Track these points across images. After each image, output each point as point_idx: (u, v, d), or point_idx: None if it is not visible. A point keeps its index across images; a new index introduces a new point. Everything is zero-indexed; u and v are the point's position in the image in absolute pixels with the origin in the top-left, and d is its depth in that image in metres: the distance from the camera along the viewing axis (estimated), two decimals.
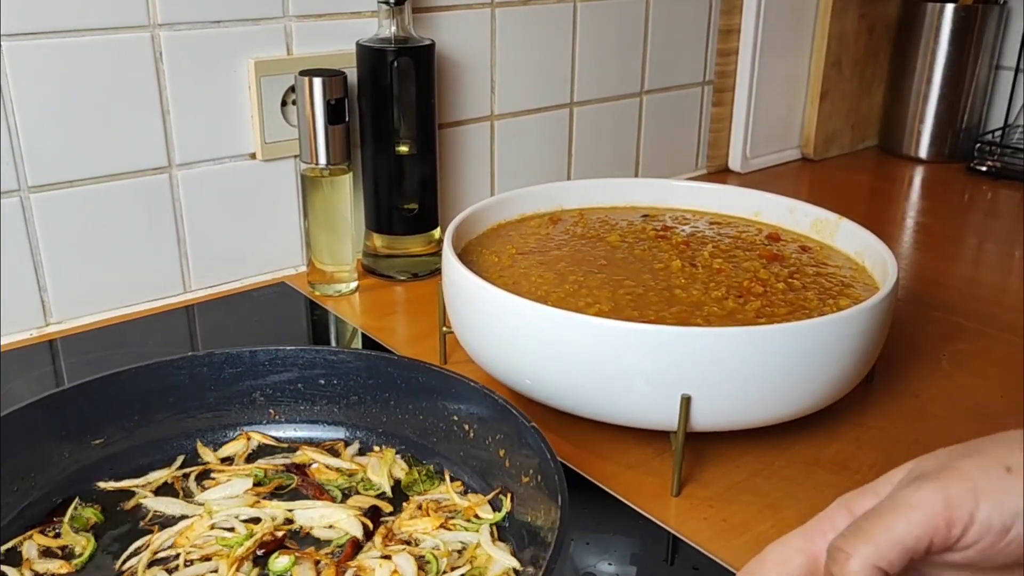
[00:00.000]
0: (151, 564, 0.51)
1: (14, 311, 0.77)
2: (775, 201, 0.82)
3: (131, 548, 0.52)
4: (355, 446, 0.61)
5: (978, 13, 1.28)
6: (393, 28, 0.86)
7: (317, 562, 0.51)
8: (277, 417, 0.63)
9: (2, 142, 0.73)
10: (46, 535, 0.53)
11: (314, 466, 0.59)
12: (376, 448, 0.61)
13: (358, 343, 0.80)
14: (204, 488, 0.57)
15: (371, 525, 0.54)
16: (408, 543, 0.53)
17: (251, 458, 0.60)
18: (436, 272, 0.92)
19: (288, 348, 0.62)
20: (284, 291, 0.88)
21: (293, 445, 0.61)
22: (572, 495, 0.58)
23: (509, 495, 0.54)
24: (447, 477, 0.58)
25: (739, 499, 0.59)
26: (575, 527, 0.55)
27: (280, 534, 0.53)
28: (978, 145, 1.31)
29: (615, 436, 0.65)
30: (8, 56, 0.72)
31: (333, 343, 0.81)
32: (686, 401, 0.57)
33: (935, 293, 0.91)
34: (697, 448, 0.64)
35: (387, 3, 0.84)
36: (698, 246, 0.76)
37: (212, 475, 0.59)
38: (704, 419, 0.58)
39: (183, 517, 0.55)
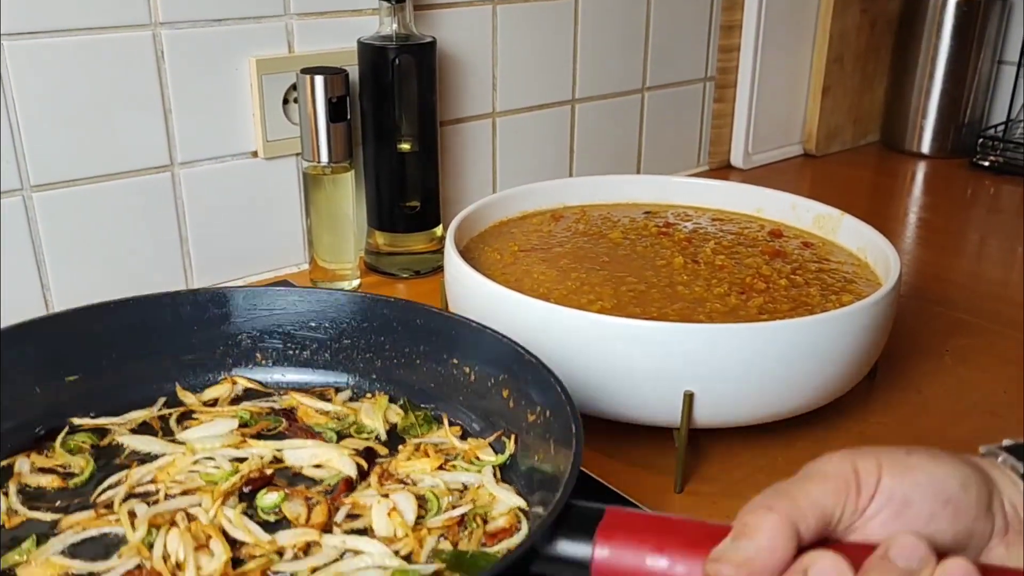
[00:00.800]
0: (128, 497, 0.49)
1: (17, 309, 0.77)
2: (777, 197, 0.82)
3: (107, 483, 0.50)
4: (347, 392, 0.59)
5: (980, 8, 1.28)
6: (394, 26, 0.86)
7: (308, 499, 0.49)
8: (264, 362, 0.60)
9: (4, 141, 0.73)
10: (42, 455, 0.52)
11: (302, 410, 0.57)
12: (368, 395, 0.59)
13: None
14: (185, 428, 0.55)
15: (365, 465, 0.52)
16: (405, 483, 0.51)
17: (236, 402, 0.58)
18: (438, 269, 0.92)
19: (277, 288, 0.60)
20: None
21: (281, 390, 0.59)
22: (575, 492, 0.58)
23: (513, 436, 0.52)
24: (446, 422, 0.56)
25: (742, 495, 0.58)
26: None
27: (269, 472, 0.51)
28: (980, 140, 1.31)
29: (618, 433, 0.65)
30: (10, 55, 0.72)
31: None
32: (689, 397, 0.57)
33: (937, 289, 0.91)
34: (700, 444, 0.64)
35: (388, 1, 0.84)
36: (700, 243, 0.76)
37: (194, 416, 0.56)
38: (707, 415, 0.58)
39: (162, 455, 0.53)
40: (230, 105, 0.84)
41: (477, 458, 0.53)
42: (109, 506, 0.49)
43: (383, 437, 0.55)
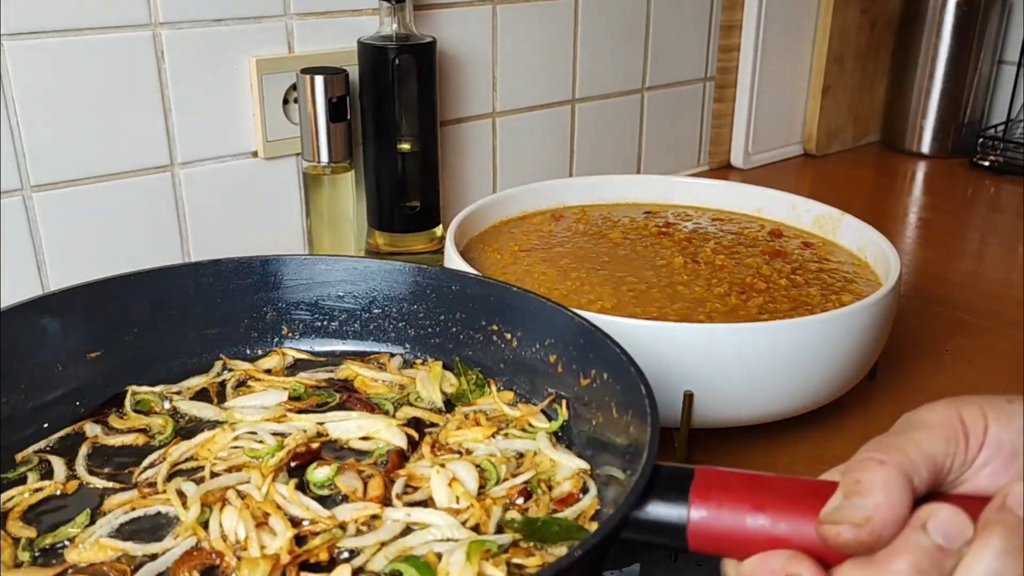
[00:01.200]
0: (171, 476, 0.48)
1: None
2: (777, 197, 0.82)
3: (145, 462, 0.49)
4: (398, 360, 0.57)
5: (980, 8, 1.28)
6: (394, 26, 0.86)
7: (361, 472, 0.47)
8: (291, 335, 0.58)
9: (4, 141, 0.73)
10: (119, 416, 0.52)
11: (359, 380, 0.55)
12: (419, 361, 0.57)
13: None
14: (239, 395, 0.54)
15: (416, 435, 0.50)
16: (459, 453, 0.49)
17: (292, 372, 0.56)
18: None
19: (303, 256, 0.58)
20: None
21: (334, 359, 0.57)
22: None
23: (564, 402, 0.51)
24: (493, 387, 0.54)
25: None
26: None
27: (315, 446, 0.49)
28: (980, 140, 1.31)
29: None
30: (10, 55, 0.72)
31: None
32: (689, 398, 0.57)
33: (938, 288, 0.91)
34: (700, 445, 0.64)
35: (388, 1, 0.84)
36: (700, 242, 0.76)
37: (249, 383, 0.55)
38: (707, 416, 0.58)
39: (196, 422, 0.53)
40: (230, 105, 0.84)
41: (530, 425, 0.51)
42: (151, 485, 0.47)
43: (439, 406, 0.53)
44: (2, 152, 0.74)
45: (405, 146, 0.89)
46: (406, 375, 0.56)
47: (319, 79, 0.80)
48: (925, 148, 1.36)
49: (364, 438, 0.51)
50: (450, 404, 0.55)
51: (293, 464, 0.48)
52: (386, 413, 0.53)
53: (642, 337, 0.56)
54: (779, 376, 0.58)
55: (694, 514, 0.37)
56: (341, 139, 0.83)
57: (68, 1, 0.73)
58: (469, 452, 0.49)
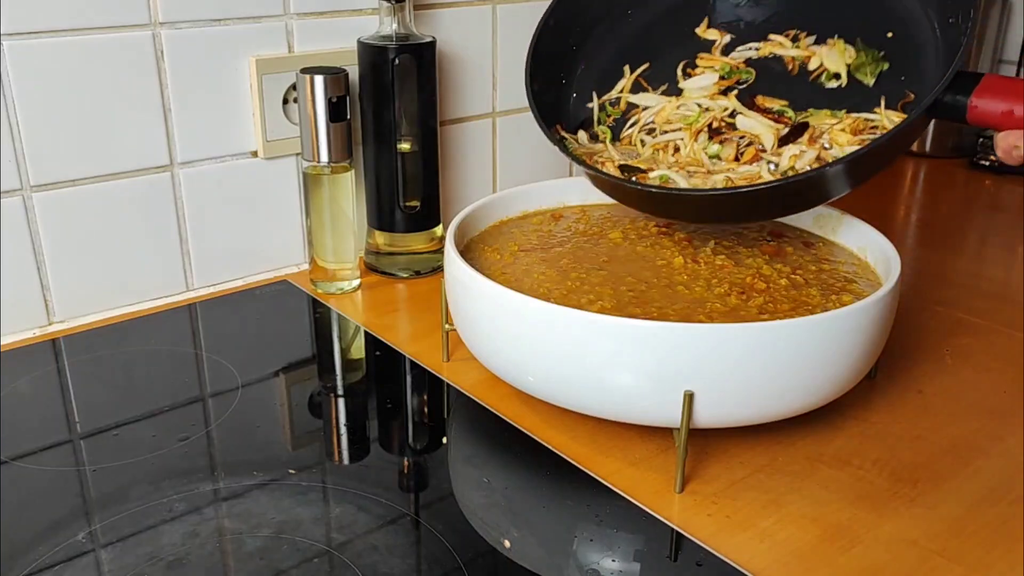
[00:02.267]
0: (642, 131, 0.75)
1: (17, 310, 0.78)
2: None
3: (628, 123, 0.76)
4: (811, 38, 0.73)
5: (979, 7, 1.28)
6: (394, 25, 0.86)
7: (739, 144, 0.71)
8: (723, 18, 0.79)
9: (4, 141, 0.73)
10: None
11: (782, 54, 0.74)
12: (829, 40, 0.73)
13: (360, 341, 0.80)
14: (688, 77, 0.77)
15: (781, 132, 0.70)
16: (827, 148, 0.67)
17: (726, 50, 0.76)
18: (438, 269, 0.92)
19: None
20: (286, 289, 0.89)
21: (756, 39, 0.75)
22: (575, 492, 0.58)
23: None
24: (883, 104, 0.69)
25: (742, 495, 0.59)
26: (578, 524, 0.56)
27: (723, 123, 0.72)
28: (980, 140, 1.31)
29: (618, 433, 0.65)
30: (9, 55, 0.72)
31: (336, 341, 0.81)
32: (689, 398, 0.57)
33: (938, 288, 0.91)
34: (700, 444, 0.64)
35: (388, 0, 0.84)
36: (700, 242, 0.76)
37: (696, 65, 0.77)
38: (707, 415, 0.58)
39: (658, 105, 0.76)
40: (230, 105, 0.84)
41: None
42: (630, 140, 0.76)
43: (844, 80, 0.70)
44: (2, 152, 0.74)
45: (405, 146, 0.89)
46: (812, 50, 0.74)
47: (319, 79, 0.80)
48: (925, 148, 1.36)
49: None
50: (852, 78, 0.72)
51: (711, 127, 0.72)
52: (780, 116, 0.73)
53: (642, 337, 0.56)
54: (779, 376, 0.58)
55: (973, 101, 0.62)
56: (341, 139, 0.83)
57: (68, 1, 0.73)
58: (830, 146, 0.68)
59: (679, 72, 0.78)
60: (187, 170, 0.84)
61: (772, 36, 0.76)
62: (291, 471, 0.60)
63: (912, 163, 1.35)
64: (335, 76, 0.81)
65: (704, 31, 0.78)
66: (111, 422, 0.65)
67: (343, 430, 0.68)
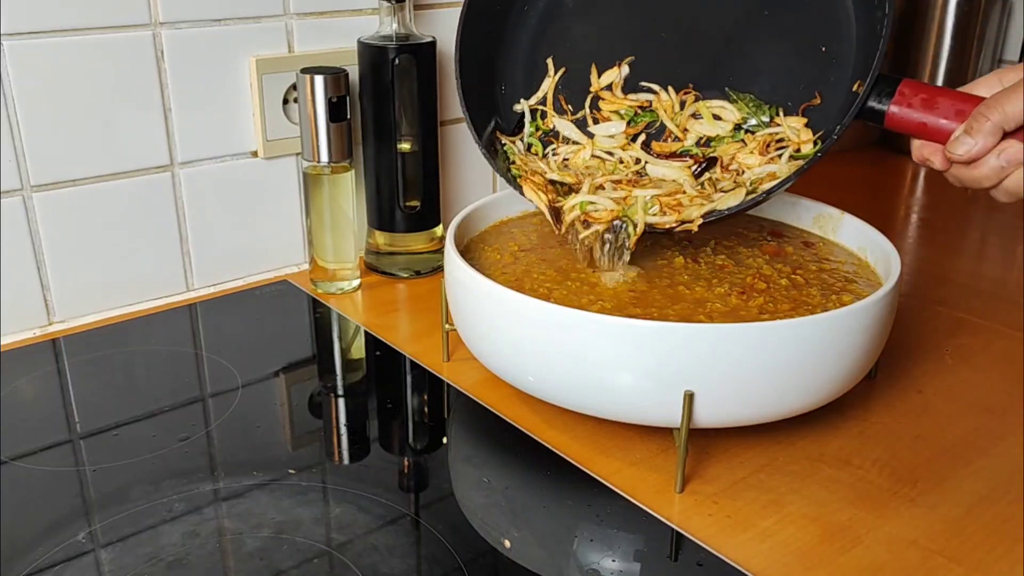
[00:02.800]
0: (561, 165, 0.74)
1: (17, 310, 0.78)
2: (777, 197, 0.82)
3: (548, 149, 0.76)
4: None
5: (980, 8, 1.28)
6: (394, 25, 0.86)
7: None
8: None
9: (4, 141, 0.73)
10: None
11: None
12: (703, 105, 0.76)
13: (361, 341, 0.80)
14: (596, 112, 0.77)
15: (693, 171, 0.71)
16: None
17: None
18: (438, 269, 0.92)
19: None
20: (286, 289, 0.89)
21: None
22: (575, 492, 0.58)
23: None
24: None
25: (743, 495, 0.59)
26: (578, 524, 0.56)
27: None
28: None
29: (618, 433, 0.65)
30: (9, 55, 0.72)
31: (336, 341, 0.81)
32: (689, 398, 0.57)
33: (938, 288, 0.91)
34: (701, 444, 0.64)
35: (388, 0, 0.84)
36: (701, 242, 0.76)
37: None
38: (707, 416, 0.58)
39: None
40: (230, 105, 0.84)
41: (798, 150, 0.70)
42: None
43: (728, 135, 0.74)
44: (2, 152, 0.74)
45: (405, 146, 0.89)
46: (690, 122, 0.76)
47: (319, 79, 0.80)
48: None
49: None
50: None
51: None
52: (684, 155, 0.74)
53: (642, 337, 0.56)
54: (779, 376, 0.58)
55: (892, 109, 0.63)
56: (341, 139, 0.83)
57: (68, 1, 0.73)
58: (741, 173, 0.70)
59: (587, 108, 0.77)
60: (187, 170, 0.84)
61: (660, 95, 0.76)
62: (291, 471, 0.60)
63: (912, 163, 1.35)
64: (335, 76, 0.81)
65: (597, 82, 0.77)
66: (111, 422, 0.65)
67: (343, 430, 0.68)
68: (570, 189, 0.72)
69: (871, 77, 0.63)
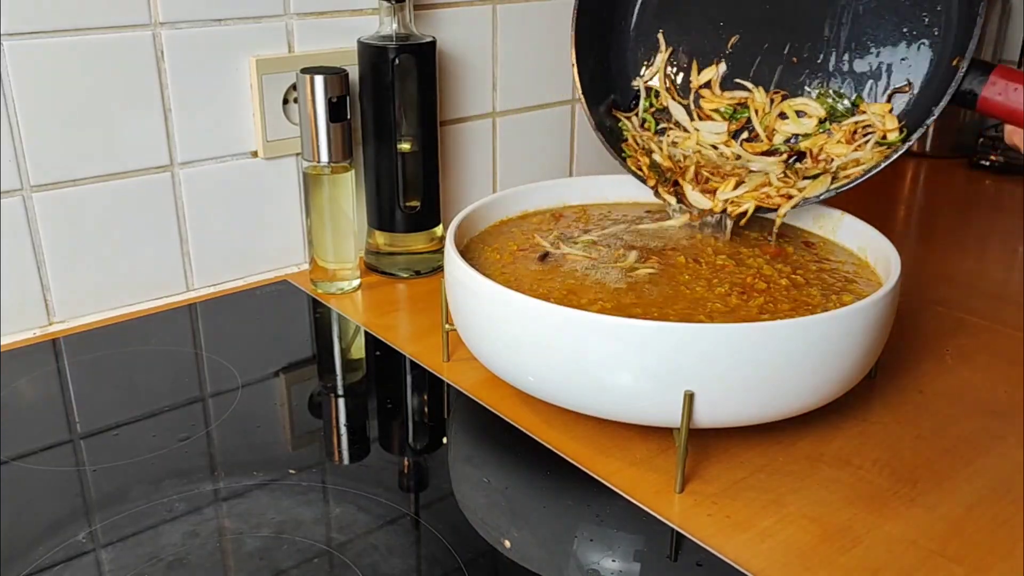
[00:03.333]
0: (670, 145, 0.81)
1: (17, 310, 0.78)
2: None
3: (661, 127, 0.82)
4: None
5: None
6: (394, 25, 0.86)
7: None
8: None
9: (4, 141, 0.73)
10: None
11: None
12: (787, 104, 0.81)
13: (361, 341, 0.80)
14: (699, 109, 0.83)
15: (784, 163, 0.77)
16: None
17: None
18: (438, 269, 0.92)
19: None
20: (286, 289, 0.89)
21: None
22: (575, 492, 0.58)
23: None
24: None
25: (743, 495, 0.59)
26: (578, 524, 0.56)
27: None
28: (981, 140, 1.31)
29: (618, 433, 0.65)
30: (9, 55, 0.72)
31: (336, 341, 0.81)
32: (689, 398, 0.57)
33: (938, 288, 0.91)
34: (700, 444, 0.64)
35: (388, 0, 0.84)
36: (701, 242, 0.76)
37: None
38: (707, 416, 0.58)
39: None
40: (230, 105, 0.84)
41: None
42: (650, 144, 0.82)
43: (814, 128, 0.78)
44: (2, 152, 0.74)
45: (405, 146, 0.89)
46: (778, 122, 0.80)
47: (319, 79, 0.80)
48: (925, 147, 1.35)
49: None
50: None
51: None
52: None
53: (642, 337, 0.56)
54: (780, 376, 0.58)
55: (985, 93, 0.65)
56: (341, 139, 0.83)
57: (68, 1, 0.73)
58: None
59: (690, 101, 0.83)
60: (187, 170, 0.84)
61: (754, 94, 0.82)
62: (291, 471, 0.60)
63: (912, 163, 1.35)
64: (335, 76, 0.81)
65: (697, 78, 0.83)
66: (111, 422, 0.65)
67: (343, 430, 0.68)
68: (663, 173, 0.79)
69: (966, 59, 0.64)
